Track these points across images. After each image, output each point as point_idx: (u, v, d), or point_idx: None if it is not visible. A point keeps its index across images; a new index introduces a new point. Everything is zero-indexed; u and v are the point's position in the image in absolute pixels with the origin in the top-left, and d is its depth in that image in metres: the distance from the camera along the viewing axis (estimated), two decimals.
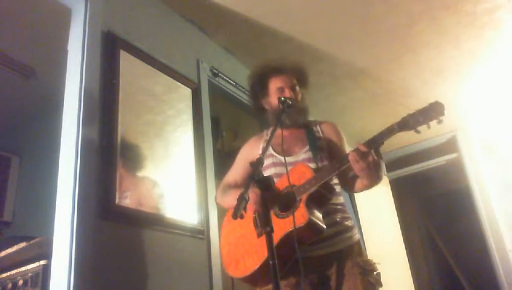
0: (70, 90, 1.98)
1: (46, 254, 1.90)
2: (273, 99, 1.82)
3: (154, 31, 2.53)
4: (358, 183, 1.61)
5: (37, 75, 3.14)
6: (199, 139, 2.54)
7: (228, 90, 3.04)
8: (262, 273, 1.50)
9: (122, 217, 1.90)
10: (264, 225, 1.23)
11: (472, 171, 4.53)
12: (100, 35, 2.12)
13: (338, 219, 1.64)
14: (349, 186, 1.69)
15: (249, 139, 1.95)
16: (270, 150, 1.74)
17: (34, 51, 2.94)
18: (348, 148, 1.72)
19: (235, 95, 3.07)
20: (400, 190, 5.36)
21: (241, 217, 1.28)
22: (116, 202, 1.89)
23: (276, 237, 1.39)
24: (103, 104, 2.00)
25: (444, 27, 3.15)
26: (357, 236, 1.67)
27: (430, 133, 4.83)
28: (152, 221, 2.03)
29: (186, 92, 2.60)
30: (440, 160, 4.95)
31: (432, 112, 1.38)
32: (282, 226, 1.47)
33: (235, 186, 1.83)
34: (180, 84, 2.56)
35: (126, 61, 2.20)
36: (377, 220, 4.45)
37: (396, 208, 4.85)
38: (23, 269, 2.07)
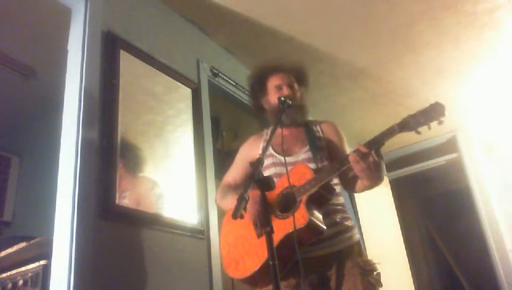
0: (70, 90, 1.98)
1: (46, 254, 1.90)
2: (271, 97, 1.82)
3: (154, 31, 2.53)
4: (359, 184, 1.60)
5: (37, 75, 3.14)
6: (199, 139, 2.54)
7: (228, 90, 3.04)
8: (262, 274, 1.49)
9: (122, 217, 1.90)
10: (264, 225, 1.23)
11: (472, 171, 4.53)
12: (100, 35, 2.12)
13: (338, 219, 1.64)
14: (350, 186, 1.69)
15: (248, 139, 1.95)
16: (270, 150, 1.74)
17: (34, 51, 2.94)
18: (348, 149, 1.72)
19: (235, 95, 3.07)
20: (400, 190, 5.36)
21: (241, 217, 1.28)
22: (116, 202, 1.89)
23: (276, 238, 1.38)
24: (103, 104, 2.00)
25: (444, 27, 3.14)
26: (357, 236, 1.67)
27: (430, 133, 4.83)
28: (152, 221, 2.03)
29: (186, 92, 2.60)
30: (440, 160, 4.95)
31: (433, 112, 1.38)
32: (282, 227, 1.46)
33: (235, 185, 1.83)
34: (180, 84, 2.56)
35: (126, 61, 2.20)
36: (377, 220, 4.45)
37: (396, 208, 4.85)
38: (23, 269, 2.07)
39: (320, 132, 1.80)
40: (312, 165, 1.62)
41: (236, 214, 1.23)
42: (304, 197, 1.50)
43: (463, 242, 5.45)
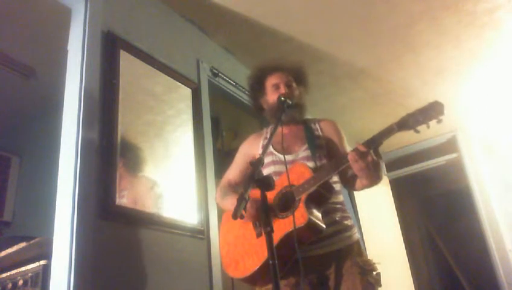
0: (70, 90, 1.98)
1: (46, 254, 1.90)
2: (270, 97, 1.83)
3: (154, 31, 2.53)
4: (358, 183, 1.61)
5: (37, 75, 3.14)
6: (199, 139, 2.54)
7: (228, 90, 3.04)
8: (262, 274, 1.50)
9: (122, 217, 1.90)
10: (264, 225, 1.23)
11: (472, 171, 4.53)
12: (100, 35, 2.12)
13: (337, 218, 1.64)
14: (349, 184, 1.70)
15: (248, 137, 1.95)
16: (270, 148, 1.75)
17: (34, 51, 2.94)
18: (348, 147, 1.73)
19: (235, 95, 3.07)
20: (400, 190, 5.36)
21: (241, 217, 1.28)
22: (116, 202, 1.89)
23: (276, 237, 1.38)
24: (103, 104, 2.00)
25: (444, 27, 3.15)
26: (356, 235, 1.67)
27: (430, 133, 4.84)
28: (152, 221, 2.03)
29: (186, 92, 2.60)
30: (440, 160, 4.95)
31: (432, 111, 1.38)
32: (281, 227, 1.47)
33: (235, 184, 1.84)
34: (180, 84, 2.56)
35: (126, 61, 2.20)
36: (377, 220, 4.45)
37: (396, 208, 4.85)
38: (23, 269, 2.07)
39: (319, 130, 1.80)
40: (311, 164, 1.63)
41: (237, 214, 1.23)
42: (303, 196, 1.50)
43: (463, 242, 5.45)
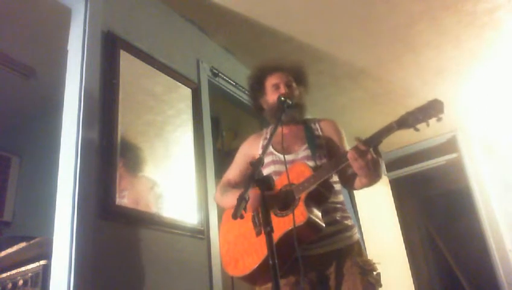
0: (70, 90, 1.98)
1: (46, 254, 1.90)
2: (269, 97, 1.83)
3: (154, 31, 2.53)
4: (357, 182, 1.61)
5: (37, 75, 3.14)
6: (199, 139, 2.54)
7: (228, 90, 3.04)
8: (262, 272, 1.50)
9: (122, 217, 1.90)
10: (264, 224, 1.23)
11: (472, 171, 4.53)
12: (100, 35, 2.12)
13: (338, 218, 1.64)
14: (349, 183, 1.69)
15: (248, 138, 1.95)
16: (270, 148, 1.75)
17: (34, 51, 2.94)
18: (348, 147, 1.72)
19: (235, 95, 3.07)
20: (400, 190, 5.36)
21: (241, 217, 1.28)
22: (116, 202, 1.89)
23: (275, 236, 1.37)
24: (103, 104, 2.00)
25: (444, 27, 3.15)
26: (356, 236, 1.67)
27: (430, 133, 4.85)
28: (152, 221, 2.03)
29: (186, 92, 2.60)
30: (440, 160, 4.95)
31: (431, 109, 1.37)
32: (281, 225, 1.46)
33: (234, 184, 1.84)
34: (180, 84, 2.56)
35: (126, 61, 2.20)
36: (377, 220, 4.45)
37: (396, 208, 4.85)
38: (23, 269, 2.07)
39: (319, 130, 1.80)
40: (311, 163, 1.63)
41: (237, 214, 1.23)
42: (303, 195, 1.50)
43: (463, 242, 5.45)
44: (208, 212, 2.39)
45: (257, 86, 1.89)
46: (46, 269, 1.93)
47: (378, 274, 1.58)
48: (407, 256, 4.62)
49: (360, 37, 3.20)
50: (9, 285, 2.11)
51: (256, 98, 1.92)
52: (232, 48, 3.20)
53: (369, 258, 1.63)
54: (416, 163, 5.12)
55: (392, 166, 5.17)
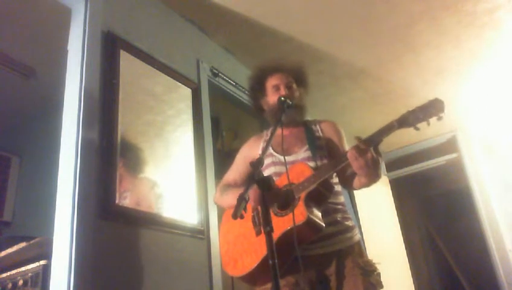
0: (70, 90, 1.98)
1: (46, 254, 1.90)
2: (270, 98, 1.82)
3: (154, 31, 2.53)
4: (356, 181, 1.60)
5: (37, 75, 3.14)
6: (199, 139, 2.54)
7: (228, 90, 3.04)
8: (261, 272, 1.50)
9: (122, 217, 1.90)
10: (263, 224, 1.23)
11: (472, 171, 4.53)
12: (100, 35, 2.12)
13: (338, 219, 1.64)
14: (348, 183, 1.68)
15: (248, 139, 1.95)
16: (270, 150, 1.75)
17: (34, 51, 2.94)
18: (348, 147, 1.72)
19: (235, 95, 3.07)
20: (400, 190, 5.36)
21: (241, 217, 1.28)
22: (116, 202, 1.89)
23: (275, 235, 1.37)
24: (103, 104, 2.00)
25: (444, 27, 3.15)
26: (357, 237, 1.67)
27: (430, 133, 4.84)
28: (152, 221, 2.03)
29: (186, 92, 2.60)
30: (440, 160, 4.95)
31: (432, 108, 1.38)
32: (280, 225, 1.46)
33: (235, 185, 1.83)
34: (180, 84, 2.56)
35: (126, 61, 2.20)
36: (377, 220, 4.45)
37: (396, 208, 4.85)
38: (23, 269, 2.07)
39: (320, 131, 1.80)
40: (311, 164, 1.63)
41: (237, 214, 1.23)
42: (303, 195, 1.50)
43: (463, 242, 5.46)
44: (207, 212, 2.39)
45: (257, 87, 1.89)
46: (46, 269, 1.93)
47: (379, 274, 1.58)
48: (407, 256, 4.63)
49: (360, 37, 3.20)
50: (9, 285, 2.11)
51: (257, 99, 1.91)
52: (232, 48, 3.20)
53: (369, 258, 1.63)
54: (416, 163, 5.12)
55: (392, 166, 5.17)
